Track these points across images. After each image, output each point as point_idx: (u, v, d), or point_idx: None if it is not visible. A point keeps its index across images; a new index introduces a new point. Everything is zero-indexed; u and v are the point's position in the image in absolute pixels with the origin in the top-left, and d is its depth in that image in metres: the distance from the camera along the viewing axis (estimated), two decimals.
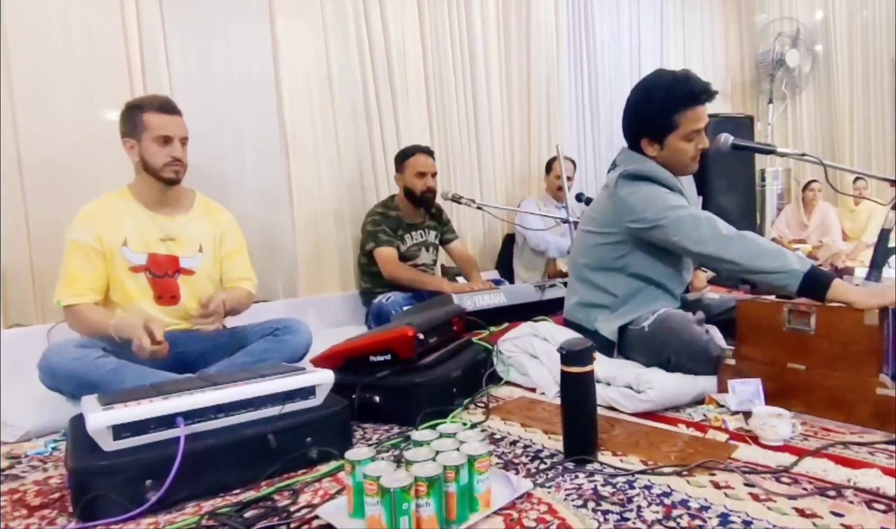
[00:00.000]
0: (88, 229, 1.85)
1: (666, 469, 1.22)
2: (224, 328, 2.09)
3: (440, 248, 3.20)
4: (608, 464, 1.27)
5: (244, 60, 2.89)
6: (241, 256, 2.15)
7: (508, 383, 1.95)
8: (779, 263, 1.56)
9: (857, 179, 5.05)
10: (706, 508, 1.06)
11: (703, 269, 2.28)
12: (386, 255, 2.84)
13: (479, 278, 3.03)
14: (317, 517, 1.08)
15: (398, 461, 1.25)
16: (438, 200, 3.12)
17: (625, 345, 1.87)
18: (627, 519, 1.03)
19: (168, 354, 1.74)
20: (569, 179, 3.63)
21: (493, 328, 2.23)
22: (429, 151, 2.98)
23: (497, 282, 3.18)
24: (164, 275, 1.94)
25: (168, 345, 1.72)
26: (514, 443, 1.44)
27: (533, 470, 1.26)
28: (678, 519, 1.02)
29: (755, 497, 1.08)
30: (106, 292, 1.89)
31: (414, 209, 2.99)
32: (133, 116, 1.88)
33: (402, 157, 2.97)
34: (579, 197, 3.58)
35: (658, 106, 1.81)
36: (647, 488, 1.15)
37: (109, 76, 2.46)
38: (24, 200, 2.30)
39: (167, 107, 1.90)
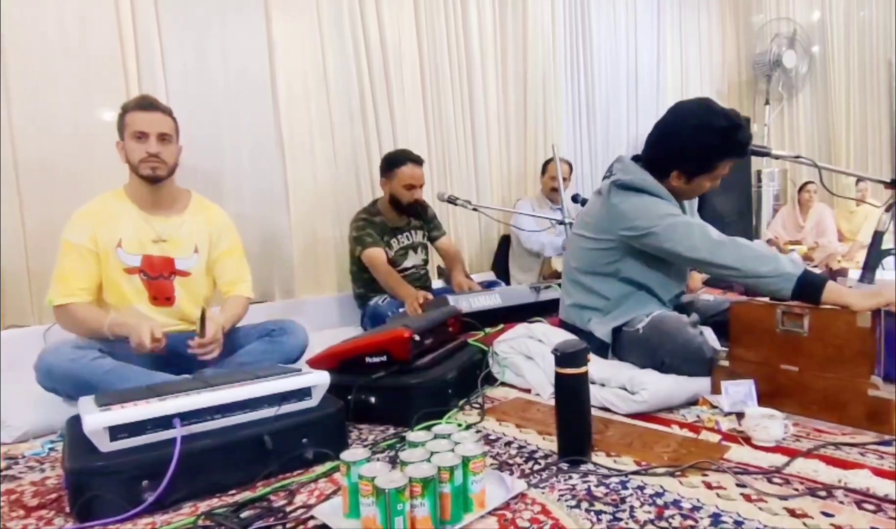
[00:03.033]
0: (83, 229, 1.86)
1: (659, 470, 1.23)
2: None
3: (431, 246, 3.12)
4: (602, 465, 1.28)
5: (240, 61, 2.89)
6: (236, 257, 2.12)
7: (504, 384, 1.96)
8: (772, 266, 1.58)
9: (859, 180, 5.02)
10: (698, 508, 1.07)
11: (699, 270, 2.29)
12: (374, 256, 2.75)
13: (462, 275, 2.94)
14: (312, 517, 1.09)
15: (393, 461, 1.26)
16: (429, 198, 3.09)
17: (619, 346, 1.87)
18: (620, 520, 1.04)
19: (164, 354, 1.74)
20: (564, 180, 3.63)
21: (488, 330, 2.24)
22: (418, 161, 2.84)
23: (493, 283, 3.16)
24: (158, 276, 1.93)
25: (165, 339, 1.73)
26: (508, 444, 1.45)
27: (527, 471, 1.27)
28: (670, 519, 1.03)
29: (747, 498, 1.09)
30: (99, 293, 1.89)
31: (398, 215, 2.91)
32: (121, 118, 1.90)
33: (390, 164, 2.83)
34: (575, 198, 3.56)
35: (710, 151, 1.78)
36: (640, 488, 1.16)
37: (105, 77, 2.47)
38: (21, 200, 2.30)
39: (144, 104, 1.90)
